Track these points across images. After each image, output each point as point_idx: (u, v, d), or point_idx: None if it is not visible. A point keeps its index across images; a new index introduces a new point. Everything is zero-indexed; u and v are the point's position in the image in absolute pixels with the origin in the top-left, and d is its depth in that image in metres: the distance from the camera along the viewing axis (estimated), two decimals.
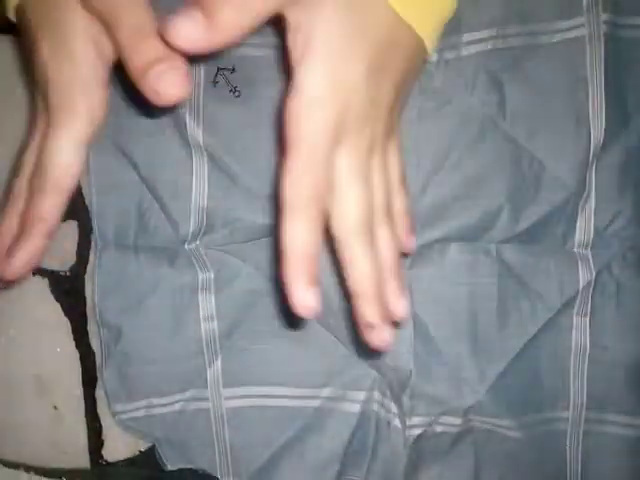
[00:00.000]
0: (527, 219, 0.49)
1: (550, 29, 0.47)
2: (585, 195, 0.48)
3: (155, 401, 0.50)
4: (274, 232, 0.49)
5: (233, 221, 0.49)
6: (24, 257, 0.32)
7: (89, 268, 0.50)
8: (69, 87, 0.31)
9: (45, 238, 0.33)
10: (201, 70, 0.48)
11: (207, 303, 0.49)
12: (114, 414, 0.50)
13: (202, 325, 0.49)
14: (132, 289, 0.49)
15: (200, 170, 0.49)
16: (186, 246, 0.49)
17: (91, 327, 0.50)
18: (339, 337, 0.50)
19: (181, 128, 0.48)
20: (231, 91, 0.48)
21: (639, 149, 0.48)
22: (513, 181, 0.48)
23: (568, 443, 0.49)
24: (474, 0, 0.47)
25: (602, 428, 0.49)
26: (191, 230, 0.49)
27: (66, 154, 0.32)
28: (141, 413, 0.50)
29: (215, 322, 0.49)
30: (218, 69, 0.48)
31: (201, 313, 0.49)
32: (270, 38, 0.48)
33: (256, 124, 0.48)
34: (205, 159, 0.49)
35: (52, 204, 0.32)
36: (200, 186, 0.49)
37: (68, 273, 0.50)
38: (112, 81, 0.46)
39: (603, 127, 0.47)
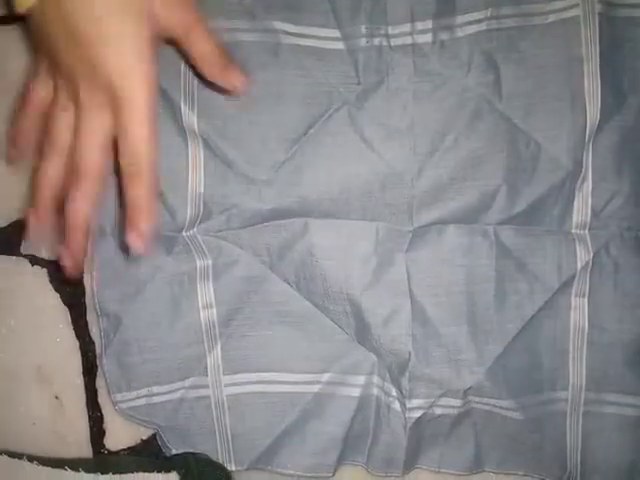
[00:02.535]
0: (524, 200, 0.49)
1: (544, 9, 0.47)
2: (582, 175, 0.48)
3: (155, 389, 0.49)
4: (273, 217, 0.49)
5: (230, 207, 0.49)
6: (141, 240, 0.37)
7: (88, 257, 0.49)
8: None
9: None
10: None
11: (206, 291, 0.49)
12: (114, 403, 0.50)
13: (201, 313, 0.49)
14: (130, 278, 0.49)
15: (195, 157, 0.48)
16: (184, 233, 0.49)
17: (90, 316, 0.50)
18: (338, 322, 0.50)
19: (175, 115, 0.48)
20: None
21: (635, 129, 0.48)
22: (510, 162, 0.49)
23: (568, 424, 0.50)
24: None
25: (601, 408, 0.49)
26: (188, 217, 0.49)
27: (151, 129, 0.35)
28: (142, 402, 0.50)
29: (214, 309, 0.49)
30: None
31: (200, 301, 0.49)
32: (263, 22, 0.48)
33: (251, 109, 0.48)
34: (200, 145, 0.48)
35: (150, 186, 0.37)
36: (196, 173, 0.48)
37: None
38: None
39: (599, 107, 0.47)
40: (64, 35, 0.33)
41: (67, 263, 0.37)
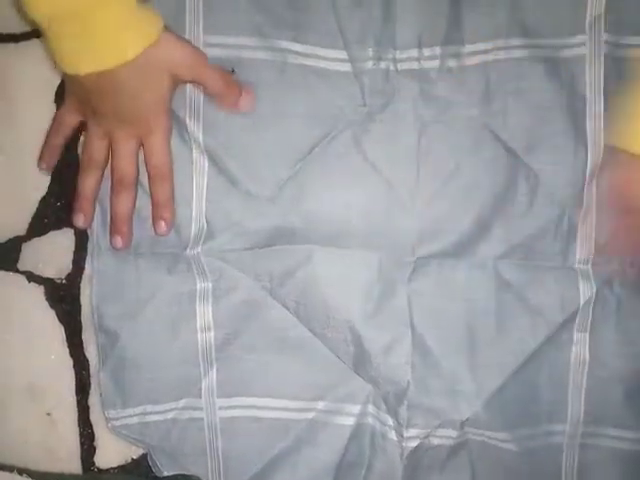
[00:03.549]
0: (520, 232, 0.48)
1: (552, 44, 0.47)
2: (583, 212, 0.48)
3: (149, 408, 0.49)
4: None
5: (232, 224, 0.49)
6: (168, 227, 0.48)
7: (85, 275, 0.50)
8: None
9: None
10: None
11: (204, 312, 0.49)
12: (107, 420, 0.49)
13: (199, 335, 0.49)
14: (130, 294, 0.49)
15: (200, 173, 0.48)
16: (187, 251, 0.49)
17: (86, 335, 0.50)
18: (336, 351, 0.50)
19: (181, 130, 0.48)
20: None
21: None
22: (507, 193, 0.48)
23: (564, 456, 0.49)
24: (479, 11, 0.47)
25: (599, 442, 0.49)
26: (192, 235, 0.49)
27: (169, 147, 0.47)
28: (134, 420, 0.49)
29: (212, 332, 0.49)
30: None
31: (198, 322, 0.49)
32: (271, 41, 0.48)
33: (256, 126, 0.48)
34: (205, 162, 0.48)
35: (172, 187, 0.48)
36: (200, 189, 0.48)
37: (64, 281, 0.50)
38: None
39: (602, 146, 0.47)
40: (108, 96, 0.44)
41: (118, 245, 0.48)
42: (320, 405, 0.50)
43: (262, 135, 0.48)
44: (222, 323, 0.49)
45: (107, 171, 0.48)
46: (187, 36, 0.47)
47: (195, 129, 0.48)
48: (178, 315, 0.49)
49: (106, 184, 0.48)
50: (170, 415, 0.50)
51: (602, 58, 0.47)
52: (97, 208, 0.48)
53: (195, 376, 0.49)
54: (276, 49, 0.48)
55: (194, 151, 0.48)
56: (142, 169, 0.48)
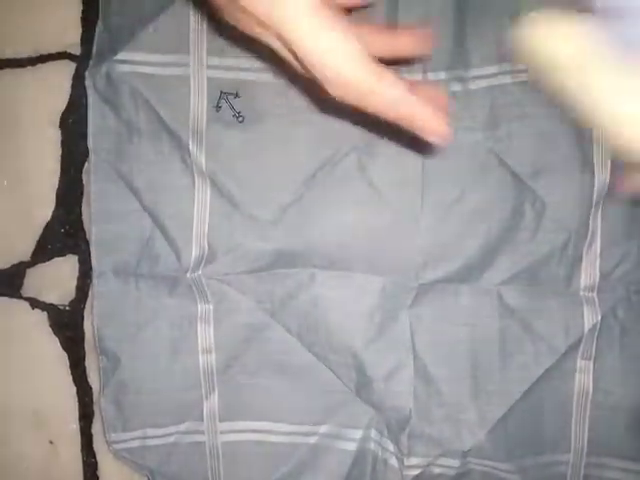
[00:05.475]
0: (525, 258, 0.48)
1: None
2: (589, 238, 0.48)
3: (150, 432, 0.49)
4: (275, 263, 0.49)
5: (234, 247, 0.48)
6: None
7: (89, 302, 0.50)
8: None
9: None
10: (204, 95, 0.48)
11: (206, 335, 0.49)
12: (109, 443, 0.49)
13: (200, 357, 0.49)
14: (131, 317, 0.49)
15: (202, 196, 0.48)
16: (188, 275, 0.48)
17: (89, 361, 0.50)
18: (338, 374, 0.49)
19: (184, 154, 0.48)
20: (234, 116, 0.48)
21: None
22: (513, 219, 0.48)
23: None
24: (484, 35, 0.47)
25: (603, 473, 0.49)
26: (193, 258, 0.48)
27: None
28: (136, 444, 0.49)
29: (213, 355, 0.49)
30: (221, 93, 0.47)
31: (199, 344, 0.49)
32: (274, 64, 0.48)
33: (259, 150, 0.48)
34: (207, 185, 0.48)
35: None
36: (201, 212, 0.48)
37: (67, 307, 0.50)
38: (114, 108, 0.47)
39: (608, 172, 0.47)
40: None
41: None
42: (322, 429, 0.50)
43: (265, 158, 0.48)
44: (223, 345, 0.49)
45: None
46: (191, 57, 0.47)
47: (197, 153, 0.48)
48: (179, 337, 0.49)
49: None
50: (171, 439, 0.49)
51: None
52: (94, 228, 0.48)
53: (197, 399, 0.49)
54: (278, 72, 0.48)
55: (196, 175, 0.48)
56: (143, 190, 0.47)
